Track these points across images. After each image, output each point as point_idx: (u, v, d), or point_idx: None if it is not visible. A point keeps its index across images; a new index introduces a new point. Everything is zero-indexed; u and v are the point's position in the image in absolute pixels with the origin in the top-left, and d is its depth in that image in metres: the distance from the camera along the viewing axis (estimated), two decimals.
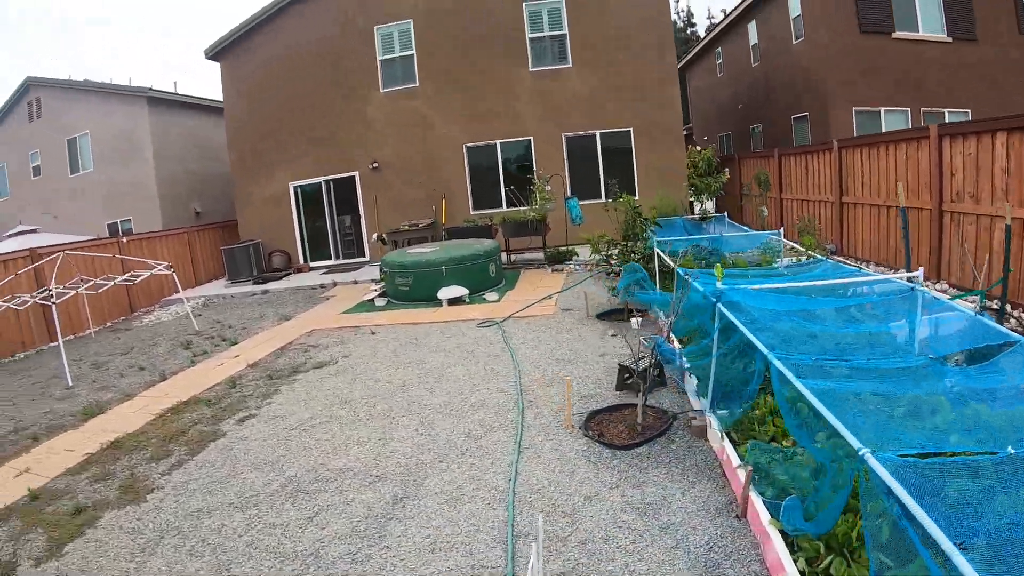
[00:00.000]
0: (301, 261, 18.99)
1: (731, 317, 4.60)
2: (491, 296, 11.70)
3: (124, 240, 16.32)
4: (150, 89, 20.63)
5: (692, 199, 17.48)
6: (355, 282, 15.09)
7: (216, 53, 18.59)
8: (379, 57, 17.28)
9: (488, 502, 4.54)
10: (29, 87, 23.50)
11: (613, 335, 8.50)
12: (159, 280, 15.57)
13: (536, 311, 10.22)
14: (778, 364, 3.65)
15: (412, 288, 11.84)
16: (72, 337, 13.54)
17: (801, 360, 3.78)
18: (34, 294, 11.26)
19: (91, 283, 12.01)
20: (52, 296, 10.15)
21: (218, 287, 17.52)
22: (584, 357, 7.61)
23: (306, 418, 6.62)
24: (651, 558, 3.71)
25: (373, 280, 14.55)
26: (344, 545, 4.24)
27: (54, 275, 10.97)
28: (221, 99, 19.77)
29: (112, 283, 12.21)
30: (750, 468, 3.96)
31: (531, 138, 16.60)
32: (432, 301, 11.46)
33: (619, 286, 8.94)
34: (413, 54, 17.00)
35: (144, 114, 20.66)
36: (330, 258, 18.82)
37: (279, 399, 7.39)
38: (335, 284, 15.28)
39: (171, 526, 4.73)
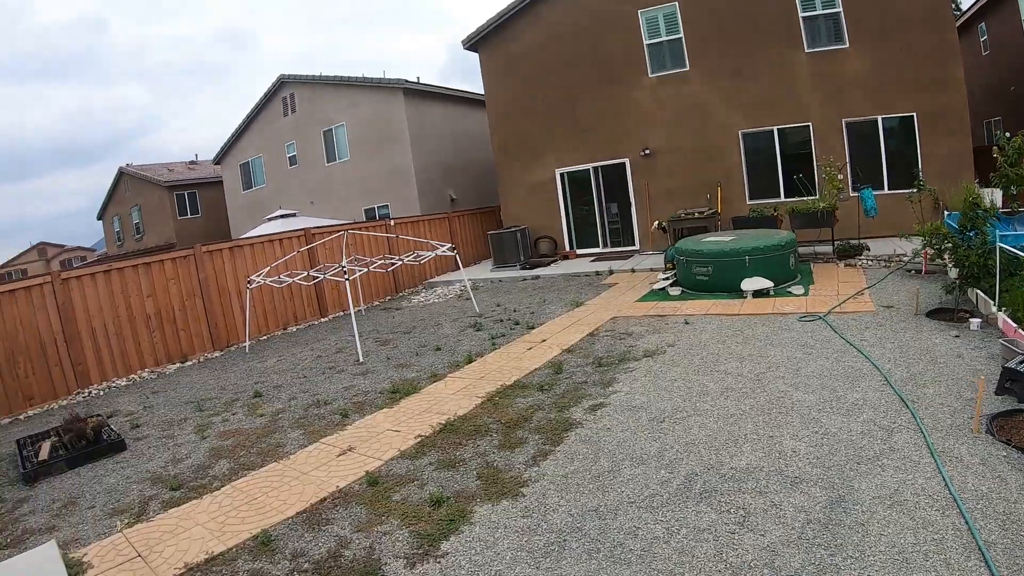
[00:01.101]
0: (567, 248, 18.92)
1: None
2: (796, 290, 10.80)
3: (391, 222, 17.08)
4: (406, 81, 21.66)
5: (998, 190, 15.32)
6: (632, 270, 14.73)
7: (475, 43, 19.10)
8: (645, 41, 16.81)
9: (936, 508, 3.98)
10: (282, 84, 25.58)
11: (956, 336, 7.44)
12: (423, 263, 15.80)
13: (853, 307, 9.22)
14: None
15: (712, 278, 11.23)
16: (341, 313, 14.15)
17: None
18: (317, 269, 11.87)
19: (380, 261, 12.43)
20: (346, 272, 10.47)
21: (482, 271, 17.85)
22: (938, 358, 6.77)
23: (668, 409, 6.21)
24: None
25: (651, 269, 14.15)
26: (800, 555, 3.70)
27: (343, 250, 11.36)
28: (470, 90, 20.34)
29: (399, 261, 12.54)
30: None
31: (809, 124, 15.34)
32: (733, 292, 10.80)
33: None
34: (681, 37, 16.34)
35: (400, 105, 21.70)
36: (597, 245, 18.60)
37: (622, 388, 7.03)
38: (611, 272, 15.01)
39: (570, 526, 4.29)
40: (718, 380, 6.97)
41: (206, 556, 4.54)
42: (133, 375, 10.90)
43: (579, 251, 18.51)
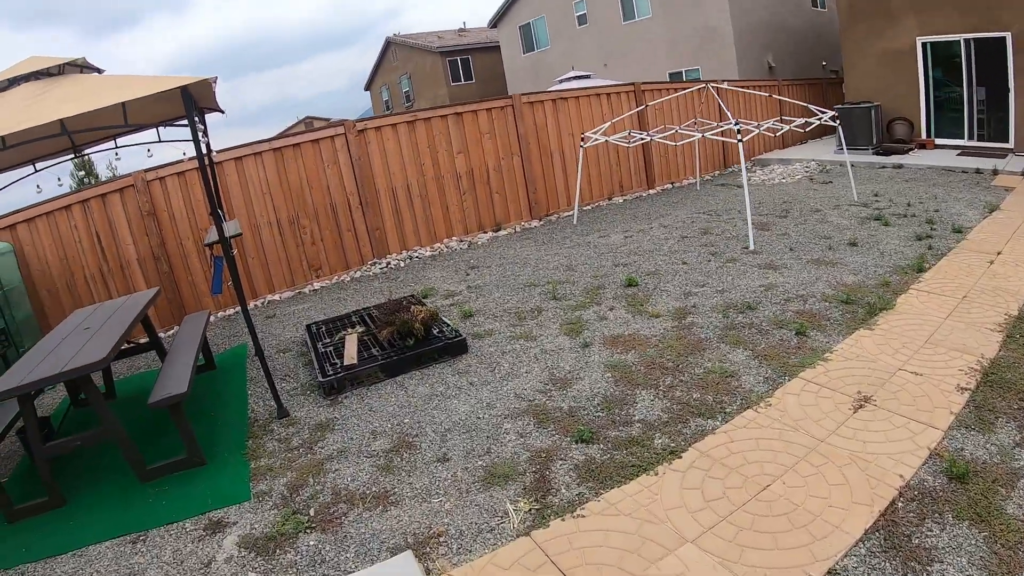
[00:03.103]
0: (924, 135, 14.03)
1: None
2: None
3: (724, 85, 12.89)
4: None
5: None
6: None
7: None
8: None
9: None
10: None
11: None
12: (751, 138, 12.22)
13: None
14: None
15: None
16: (669, 186, 11.54)
17: None
18: (659, 130, 8.11)
19: (768, 124, 8.67)
20: (738, 133, 6.89)
21: (822, 151, 14.21)
22: None
23: None
24: None
25: None
26: None
27: (722, 107, 7.52)
28: None
29: (784, 127, 8.64)
30: None
31: None
32: None
33: None
34: None
35: None
36: (961, 137, 13.55)
37: None
38: (995, 171, 10.24)
39: None
40: None
41: None
42: (439, 244, 8.58)
43: (938, 141, 13.65)
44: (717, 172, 12.95)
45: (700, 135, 8.30)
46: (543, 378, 4.32)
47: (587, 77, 17.47)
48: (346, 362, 4.44)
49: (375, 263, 7.98)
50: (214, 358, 5.54)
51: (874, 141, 13.95)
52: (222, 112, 5.41)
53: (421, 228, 8.40)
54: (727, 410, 3.67)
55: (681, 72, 19.20)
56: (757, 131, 8.29)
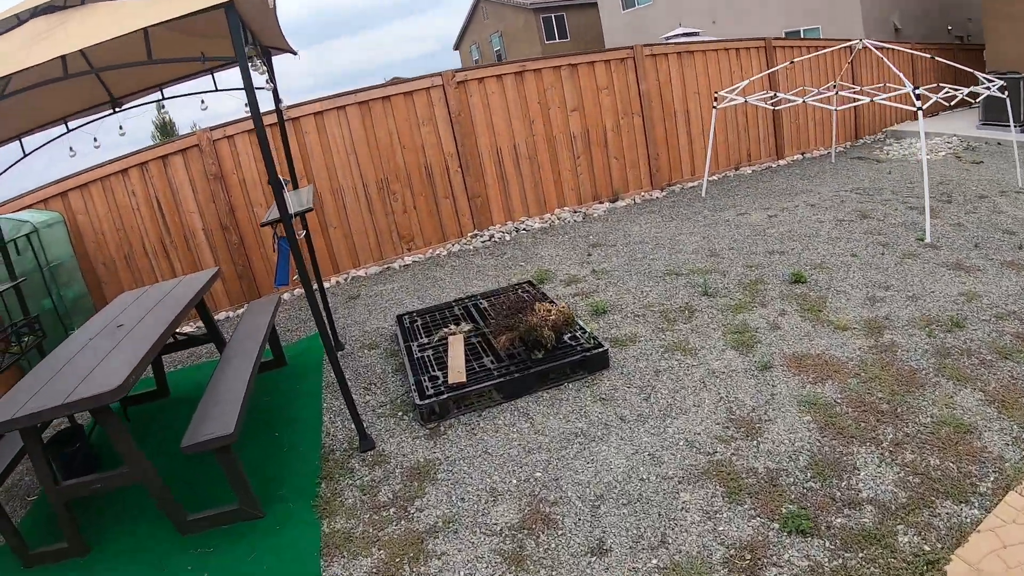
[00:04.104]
0: None
1: None
2: None
3: (870, 44, 10.99)
4: None
5: None
6: None
7: None
8: None
9: None
10: None
11: None
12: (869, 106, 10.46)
13: None
14: None
15: None
16: (799, 156, 9.88)
17: None
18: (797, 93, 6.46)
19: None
20: (917, 99, 5.28)
21: (959, 125, 12.04)
22: None
23: None
24: None
25: None
26: None
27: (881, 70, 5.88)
28: None
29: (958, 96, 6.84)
30: None
31: None
32: None
33: None
34: None
35: None
36: None
37: None
38: None
39: None
40: None
41: None
42: (549, 215, 7.35)
43: None
44: (848, 143, 11.21)
45: (867, 100, 6.65)
46: (720, 417, 3.05)
47: (695, 35, 15.96)
48: (451, 379, 3.30)
49: (476, 235, 6.83)
50: (284, 352, 4.53)
51: (1021, 118, 11.69)
52: (294, 53, 4.31)
53: (529, 196, 7.17)
54: (980, 489, 2.43)
55: (799, 31, 17.27)
56: (933, 99, 6.58)
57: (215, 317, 5.98)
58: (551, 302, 4.05)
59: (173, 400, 4.36)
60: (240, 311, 6.08)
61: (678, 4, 21.44)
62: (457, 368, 3.39)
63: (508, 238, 6.75)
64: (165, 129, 23.33)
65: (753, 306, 4.25)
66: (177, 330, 3.94)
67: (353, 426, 3.24)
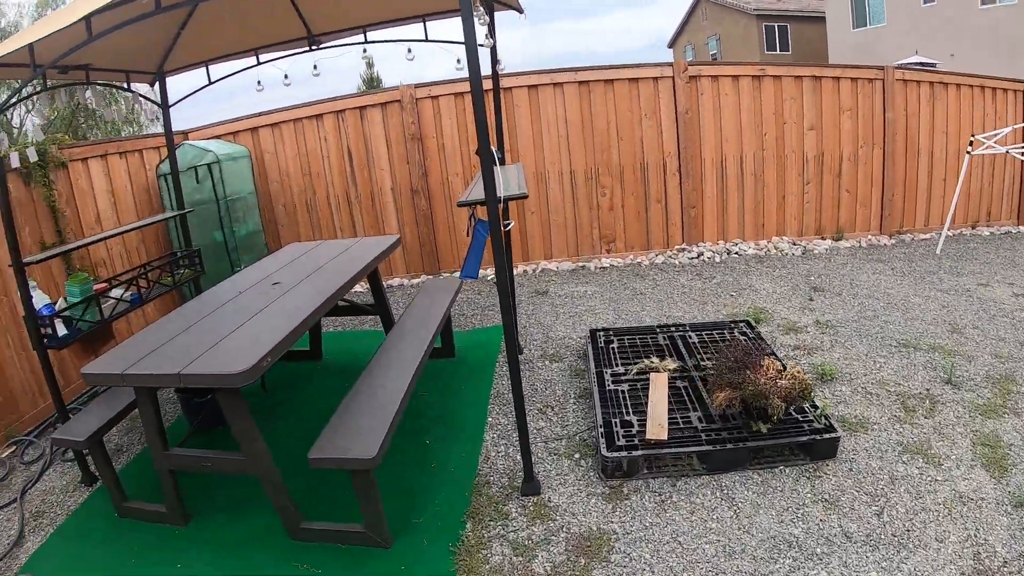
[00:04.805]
0: None
1: None
2: None
3: None
4: None
5: None
6: None
7: None
8: None
9: None
10: None
11: None
12: None
13: None
14: None
15: None
16: None
17: None
18: None
19: None
20: None
21: None
22: None
23: None
24: None
25: None
26: None
27: None
28: None
29: None
30: None
31: None
32: None
33: None
34: None
35: None
36: None
37: None
38: None
39: None
40: None
41: None
42: (766, 242, 6.39)
43: None
44: None
45: None
46: (965, 565, 2.07)
47: (931, 67, 13.90)
48: (650, 434, 2.54)
49: (683, 249, 5.98)
50: (453, 343, 3.99)
51: None
52: (520, 11, 3.74)
53: (747, 216, 6.19)
54: None
55: None
56: None
57: (387, 283, 5.66)
58: (778, 358, 3.15)
59: (323, 366, 3.99)
60: (415, 281, 5.73)
61: (915, 28, 19.46)
62: (659, 421, 2.63)
63: (718, 259, 5.82)
64: (372, 84, 24.01)
65: (1005, 412, 3.07)
66: None
67: (519, 456, 2.60)
